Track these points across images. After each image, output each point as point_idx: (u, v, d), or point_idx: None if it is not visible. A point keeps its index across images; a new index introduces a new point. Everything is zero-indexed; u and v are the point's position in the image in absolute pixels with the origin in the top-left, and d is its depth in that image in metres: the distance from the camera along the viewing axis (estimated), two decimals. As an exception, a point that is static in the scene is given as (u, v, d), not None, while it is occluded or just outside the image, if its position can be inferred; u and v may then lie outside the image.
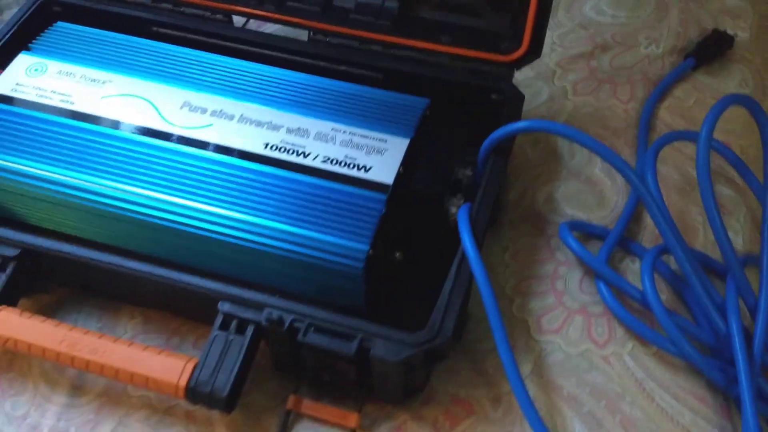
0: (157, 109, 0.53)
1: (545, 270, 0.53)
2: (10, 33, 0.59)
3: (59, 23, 0.59)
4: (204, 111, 0.52)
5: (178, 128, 0.51)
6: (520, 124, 0.50)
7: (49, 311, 0.51)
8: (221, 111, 0.52)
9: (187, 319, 0.51)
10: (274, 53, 0.59)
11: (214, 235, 0.48)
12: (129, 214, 0.48)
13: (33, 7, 0.62)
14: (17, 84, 0.54)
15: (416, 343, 0.43)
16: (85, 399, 0.47)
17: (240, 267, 0.49)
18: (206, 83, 0.54)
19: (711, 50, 0.69)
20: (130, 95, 0.53)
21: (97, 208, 0.49)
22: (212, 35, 0.61)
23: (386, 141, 0.50)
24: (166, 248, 0.50)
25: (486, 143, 0.51)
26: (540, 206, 0.57)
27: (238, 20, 0.62)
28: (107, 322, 0.51)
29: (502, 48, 0.56)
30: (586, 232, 0.54)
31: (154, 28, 0.62)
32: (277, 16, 0.60)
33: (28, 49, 0.57)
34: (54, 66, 0.55)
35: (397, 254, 0.50)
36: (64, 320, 0.50)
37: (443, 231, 0.51)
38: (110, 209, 0.49)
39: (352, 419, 0.45)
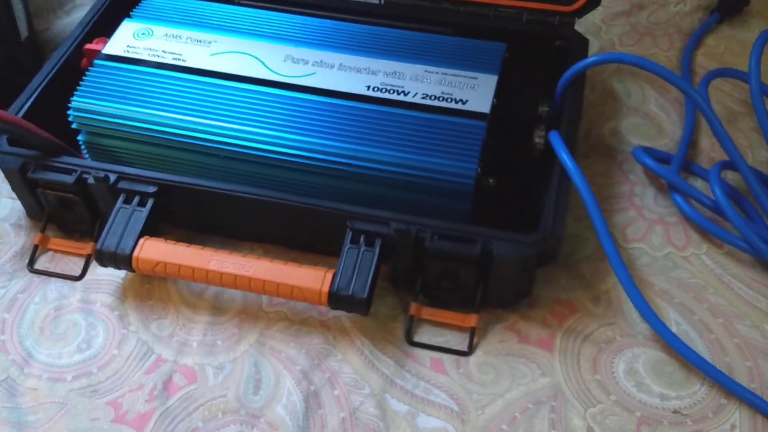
0: (263, 62, 0.58)
1: (622, 190, 0.58)
2: (108, 2, 0.65)
3: (153, -6, 0.64)
4: (306, 62, 0.58)
5: (285, 77, 0.57)
6: (596, 57, 0.56)
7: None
8: (321, 61, 0.58)
9: (302, 250, 0.56)
10: (352, 16, 0.65)
11: (330, 166, 0.53)
12: (247, 151, 0.54)
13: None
14: (128, 46, 0.59)
15: (533, 242, 0.48)
16: (226, 317, 0.52)
17: (354, 195, 0.54)
18: (303, 40, 0.60)
19: (732, 6, 0.76)
20: (236, 52, 0.59)
21: (218, 148, 0.54)
22: (294, 3, 0.66)
23: (477, 78, 0.56)
24: (280, 183, 0.56)
25: (565, 77, 0.57)
26: (607, 139, 0.63)
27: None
28: (230, 256, 0.55)
29: (564, -1, 0.63)
30: (653, 156, 0.60)
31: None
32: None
33: (129, 16, 0.62)
34: (160, 30, 0.60)
35: (490, 180, 0.56)
36: (189, 257, 0.55)
37: (525, 160, 0.57)
38: (230, 149, 0.54)
39: (472, 319, 0.50)
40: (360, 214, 0.50)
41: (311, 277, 0.48)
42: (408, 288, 0.53)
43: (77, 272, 0.55)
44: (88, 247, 0.55)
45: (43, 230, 0.56)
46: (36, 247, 0.56)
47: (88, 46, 0.60)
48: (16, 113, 0.56)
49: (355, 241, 0.50)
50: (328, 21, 0.62)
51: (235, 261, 0.49)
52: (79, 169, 0.53)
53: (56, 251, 0.56)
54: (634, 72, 0.68)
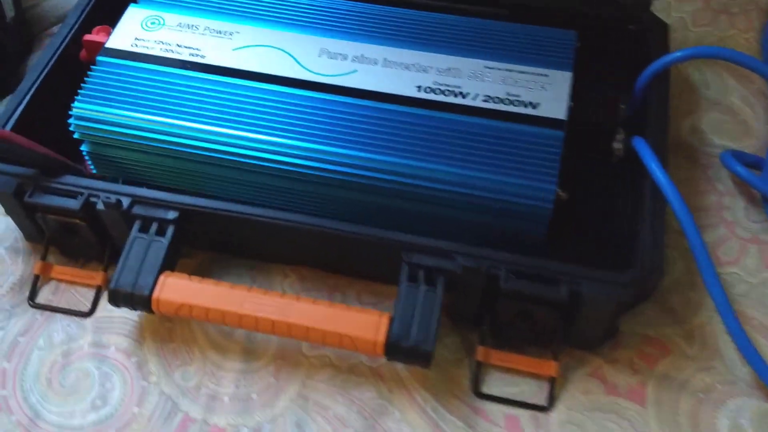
0: (294, 58, 0.49)
1: (709, 201, 0.51)
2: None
3: (160, -26, 0.55)
4: (344, 57, 0.49)
5: (321, 76, 0.48)
6: (687, 51, 0.48)
7: (197, 275, 0.48)
8: (362, 56, 0.49)
9: (344, 274, 0.49)
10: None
11: (375, 183, 0.45)
12: (279, 166, 0.45)
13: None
14: (136, 39, 0.50)
15: (629, 282, 0.41)
16: (260, 363, 0.45)
17: (405, 216, 0.46)
18: (339, 29, 0.51)
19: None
20: (263, 45, 0.50)
21: (247, 163, 0.46)
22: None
23: (547, 75, 0.48)
24: (321, 202, 0.48)
25: (648, 72, 0.49)
26: (686, 138, 0.55)
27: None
28: (261, 282, 0.48)
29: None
30: (742, 160, 0.52)
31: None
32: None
33: (135, 1, 0.53)
34: (172, 18, 0.51)
35: (562, 193, 0.48)
36: (215, 286, 0.48)
37: (602, 166, 0.49)
38: (260, 163, 0.46)
39: (551, 367, 0.43)
40: (418, 245, 0.43)
41: (364, 324, 0.41)
42: (471, 325, 0.46)
43: (86, 306, 0.47)
44: (97, 277, 0.48)
45: (44, 257, 0.48)
46: (37, 277, 0.48)
47: (87, 37, 0.52)
48: (6, 121, 0.48)
49: (413, 278, 0.42)
50: (367, 5, 0.53)
51: (272, 303, 0.42)
52: (86, 192, 0.45)
53: (60, 281, 0.49)
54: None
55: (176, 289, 0.43)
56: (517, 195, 0.43)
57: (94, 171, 0.50)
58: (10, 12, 0.62)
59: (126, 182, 0.51)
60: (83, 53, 0.53)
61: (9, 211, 0.48)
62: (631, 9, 0.54)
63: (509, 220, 0.44)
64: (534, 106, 0.46)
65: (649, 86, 0.49)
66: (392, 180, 0.44)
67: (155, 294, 0.43)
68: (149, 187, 0.49)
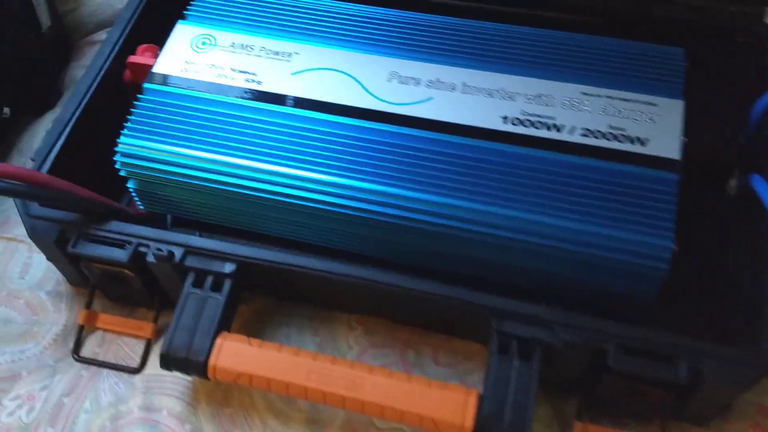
0: (360, 83, 0.44)
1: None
2: (146, -1, 0.51)
3: (209, -16, 0.50)
4: (417, 82, 0.43)
5: (392, 105, 0.42)
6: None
7: (254, 326, 0.44)
8: (438, 80, 0.43)
9: (417, 326, 0.44)
10: (468, 3, 0.50)
11: (461, 234, 0.39)
12: (346, 211, 0.40)
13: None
14: (186, 62, 0.45)
15: (759, 361, 0.35)
16: (328, 435, 0.40)
17: (490, 267, 0.41)
18: (410, 47, 0.45)
19: None
20: (325, 69, 0.44)
21: (309, 207, 0.41)
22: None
23: (656, 105, 0.41)
24: (391, 249, 0.43)
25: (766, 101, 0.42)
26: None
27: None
28: (325, 335, 0.43)
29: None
30: None
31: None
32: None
33: (182, 17, 0.48)
34: (224, 37, 0.46)
35: (674, 246, 0.42)
36: (275, 336, 0.43)
37: (714, 208, 0.43)
38: (324, 207, 0.41)
39: (659, 446, 0.38)
40: (511, 312, 0.37)
41: (448, 404, 0.36)
42: (564, 393, 0.40)
43: (135, 361, 0.43)
44: (147, 328, 0.44)
45: (88, 305, 0.44)
46: (81, 328, 0.44)
47: (132, 58, 0.47)
48: (45, 157, 0.43)
49: (504, 349, 0.37)
50: (440, 18, 0.46)
51: (342, 375, 0.37)
52: (135, 241, 0.40)
53: (106, 331, 0.45)
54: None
55: (235, 355, 0.38)
56: (624, 252, 0.37)
57: (141, 207, 0.46)
58: (46, 21, 0.57)
59: (175, 219, 0.47)
60: (127, 74, 0.48)
61: (51, 258, 0.44)
62: (740, 18, 0.47)
63: (613, 280, 0.38)
64: (642, 142, 0.40)
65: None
66: (475, 230, 0.39)
67: (212, 360, 0.38)
68: (201, 229, 0.45)
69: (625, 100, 0.41)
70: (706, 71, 0.45)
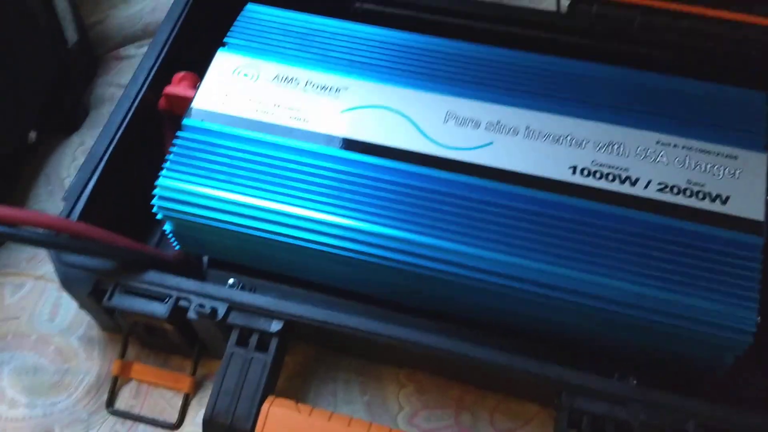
0: (416, 124, 0.41)
1: None
2: (182, 19, 0.47)
3: (250, 6, 0.46)
4: (477, 124, 0.40)
5: (450, 150, 0.39)
6: None
7: (299, 381, 0.42)
8: (499, 123, 0.40)
9: (470, 383, 0.41)
10: (526, 31, 0.46)
11: (522, 295, 0.36)
12: (399, 266, 0.37)
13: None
14: (227, 95, 0.42)
15: None
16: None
17: (554, 328, 0.38)
18: (468, 84, 0.42)
19: None
20: (377, 107, 0.41)
21: (357, 259, 0.38)
22: (438, 10, 0.48)
23: (737, 157, 0.38)
24: (444, 305, 0.40)
25: None
26: None
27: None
28: (374, 393, 0.41)
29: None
30: None
31: (357, 4, 0.49)
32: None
33: (222, 44, 0.45)
34: (268, 68, 0.43)
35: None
36: (321, 392, 0.41)
37: None
38: (372, 260, 0.38)
39: None
40: (585, 387, 0.34)
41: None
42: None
43: (173, 416, 0.41)
44: (185, 381, 0.41)
45: (122, 354, 0.42)
46: (116, 379, 0.42)
47: (169, 89, 0.44)
48: (79, 194, 0.41)
49: (574, 423, 0.35)
50: (498, 50, 0.43)
51: (402, 453, 0.35)
52: (174, 294, 0.38)
53: (142, 382, 0.42)
54: None
55: (282, 424, 0.35)
56: (703, 323, 0.34)
57: (177, 247, 0.44)
58: (72, 36, 0.54)
59: (212, 260, 0.45)
60: (162, 102, 0.45)
61: (84, 307, 0.41)
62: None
63: (689, 349, 0.36)
64: (723, 200, 0.37)
65: None
66: (542, 293, 0.36)
67: (258, 428, 0.36)
68: (240, 272, 0.42)
69: (704, 151, 0.38)
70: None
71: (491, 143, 0.40)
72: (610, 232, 0.37)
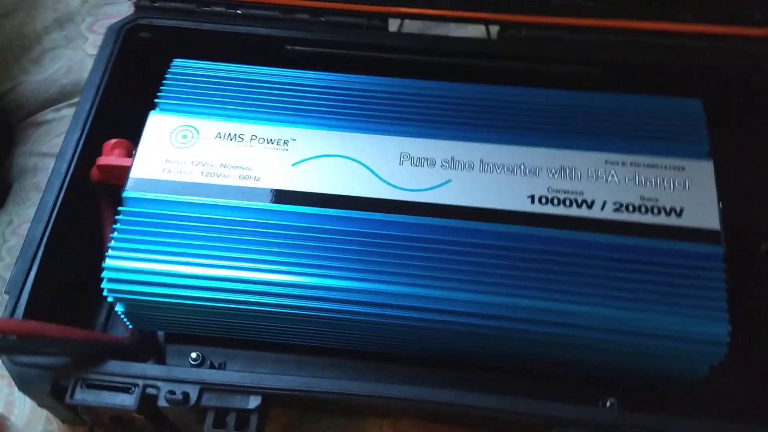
0: (371, 170, 0.40)
1: None
2: (105, 82, 0.44)
3: (177, 62, 0.44)
4: (432, 163, 0.40)
5: (410, 192, 0.39)
6: None
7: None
8: (453, 159, 0.40)
9: (448, 424, 0.41)
10: (462, 61, 0.46)
11: (501, 332, 0.36)
12: (373, 318, 0.37)
13: (118, 41, 0.46)
14: (167, 161, 0.40)
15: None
16: None
17: (521, 356, 0.38)
18: (416, 121, 0.41)
19: None
20: (329, 155, 0.40)
21: (330, 317, 0.37)
22: (370, 47, 0.47)
23: (684, 168, 0.39)
24: (418, 348, 0.39)
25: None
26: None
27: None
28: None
29: (758, 18, 0.45)
30: None
31: (288, 46, 0.48)
32: (454, 13, 0.47)
33: (153, 105, 0.42)
34: (207, 127, 0.41)
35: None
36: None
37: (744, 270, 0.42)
38: (345, 316, 0.37)
39: None
40: (575, 420, 0.34)
41: None
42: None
43: None
44: (158, 468, 0.39)
45: (88, 449, 0.39)
46: (83, 478, 0.39)
47: (103, 160, 0.41)
48: (21, 286, 0.38)
49: (569, 460, 0.35)
50: (440, 84, 0.42)
51: None
52: (140, 383, 0.35)
53: (112, 475, 0.40)
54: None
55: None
56: (677, 339, 0.35)
57: (130, 326, 0.41)
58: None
59: (169, 334, 0.42)
60: (95, 174, 0.42)
61: (44, 406, 0.38)
62: (751, 61, 0.45)
63: (662, 364, 0.37)
64: (678, 213, 0.38)
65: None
66: (513, 328, 0.36)
67: None
68: (199, 342, 0.40)
69: (652, 166, 0.39)
70: (719, 119, 0.43)
71: (450, 181, 0.39)
72: (574, 258, 0.37)
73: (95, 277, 0.38)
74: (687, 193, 0.38)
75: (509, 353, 0.38)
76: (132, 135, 0.42)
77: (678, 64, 0.45)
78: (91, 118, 0.43)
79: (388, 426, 0.41)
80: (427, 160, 0.40)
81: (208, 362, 0.40)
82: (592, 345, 0.36)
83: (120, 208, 0.38)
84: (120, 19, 0.47)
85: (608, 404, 0.38)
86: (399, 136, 0.41)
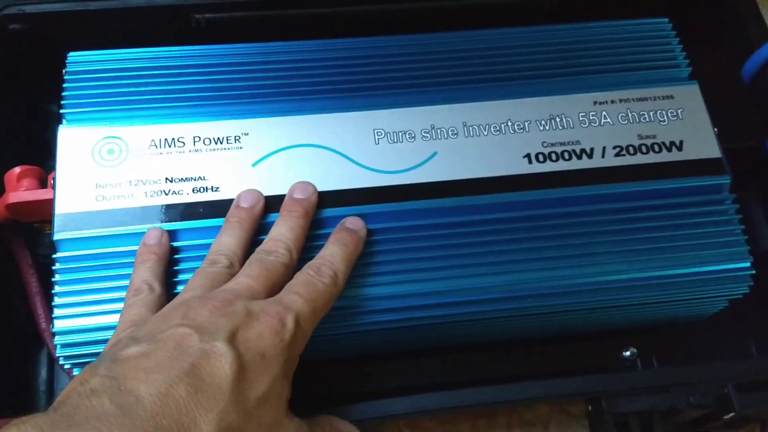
0: (344, 155, 0.34)
1: None
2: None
3: (73, 56, 0.35)
4: (411, 136, 0.35)
5: (395, 175, 0.34)
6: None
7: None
8: (433, 127, 0.35)
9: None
10: (405, 4, 0.41)
11: (524, 312, 0.33)
12: (382, 326, 0.32)
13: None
14: (98, 186, 0.32)
15: None
16: None
17: (548, 331, 0.36)
18: (381, 89, 0.35)
19: None
20: (291, 147, 0.34)
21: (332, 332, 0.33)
22: (298, 1, 0.40)
23: (672, 97, 0.37)
24: (437, 342, 0.36)
25: (752, 64, 0.39)
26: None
27: None
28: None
29: None
30: None
31: (197, 15, 0.40)
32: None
33: (59, 117, 0.34)
34: (135, 135, 0.33)
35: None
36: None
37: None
38: (359, 328, 0.32)
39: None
40: (624, 389, 0.32)
41: None
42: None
43: None
44: None
45: None
46: None
47: (12, 197, 0.33)
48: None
49: (623, 428, 0.33)
50: (396, 39, 0.37)
51: None
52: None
53: None
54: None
55: None
56: (703, 280, 0.33)
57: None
58: None
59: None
60: (1, 212, 0.34)
61: None
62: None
63: (684, 308, 0.35)
64: (678, 146, 0.35)
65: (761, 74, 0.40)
66: (543, 304, 0.33)
67: None
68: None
69: (641, 99, 0.36)
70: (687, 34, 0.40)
71: (435, 153, 0.34)
72: (588, 217, 0.34)
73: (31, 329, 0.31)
74: (682, 123, 0.36)
75: (534, 330, 0.35)
76: (37, 158, 0.34)
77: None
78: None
79: (404, 425, 0.38)
80: (405, 133, 0.35)
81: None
82: (620, 305, 0.34)
83: (55, 256, 0.31)
84: (-22, 10, 0.37)
85: (629, 353, 0.37)
86: (367, 110, 0.35)
